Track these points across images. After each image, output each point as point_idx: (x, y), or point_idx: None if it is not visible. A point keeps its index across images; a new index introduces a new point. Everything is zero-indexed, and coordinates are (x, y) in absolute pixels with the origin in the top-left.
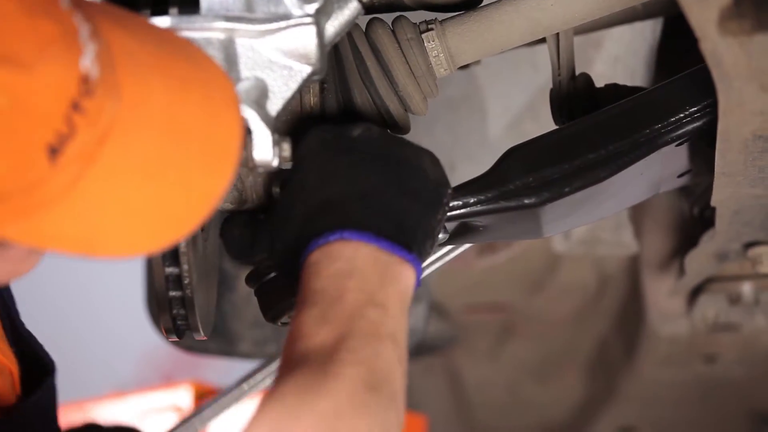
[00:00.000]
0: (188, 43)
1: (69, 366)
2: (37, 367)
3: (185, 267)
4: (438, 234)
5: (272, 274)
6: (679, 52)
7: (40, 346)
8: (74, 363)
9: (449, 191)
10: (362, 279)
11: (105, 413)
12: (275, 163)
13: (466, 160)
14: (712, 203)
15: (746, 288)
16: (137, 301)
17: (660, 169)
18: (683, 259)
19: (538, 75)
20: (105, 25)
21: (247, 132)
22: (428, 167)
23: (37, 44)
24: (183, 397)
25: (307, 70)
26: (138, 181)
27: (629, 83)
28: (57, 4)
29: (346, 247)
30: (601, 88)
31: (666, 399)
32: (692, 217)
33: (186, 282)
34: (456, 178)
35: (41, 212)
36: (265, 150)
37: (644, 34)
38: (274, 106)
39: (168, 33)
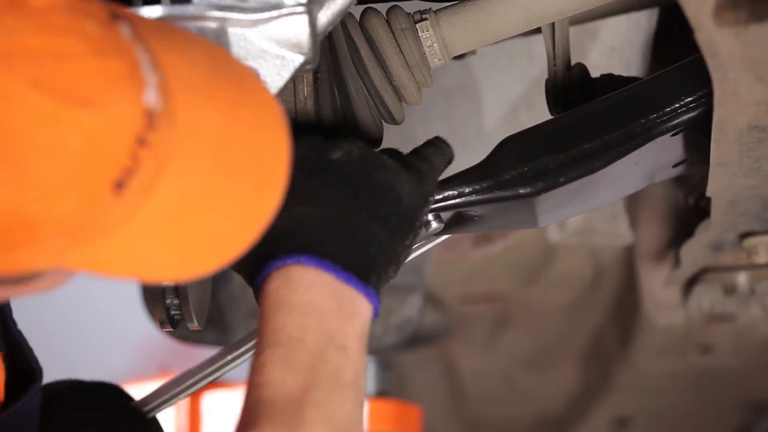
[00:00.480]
0: (235, 60)
1: (65, 357)
2: (23, 373)
3: None
4: (405, 259)
5: None
6: (674, 43)
7: (29, 350)
8: (70, 353)
9: (425, 212)
10: (321, 317)
11: None
12: None
13: (461, 150)
14: (708, 193)
15: (741, 278)
16: (133, 291)
17: (655, 159)
18: (678, 250)
19: (533, 65)
20: (161, 50)
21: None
22: (403, 191)
23: (107, 84)
24: None
25: (299, 59)
26: (192, 208)
27: (625, 73)
28: (120, 37)
29: (304, 274)
30: (596, 79)
31: (661, 389)
32: (687, 208)
33: None
34: (451, 168)
35: (101, 241)
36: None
37: (640, 24)
38: None
39: (216, 49)
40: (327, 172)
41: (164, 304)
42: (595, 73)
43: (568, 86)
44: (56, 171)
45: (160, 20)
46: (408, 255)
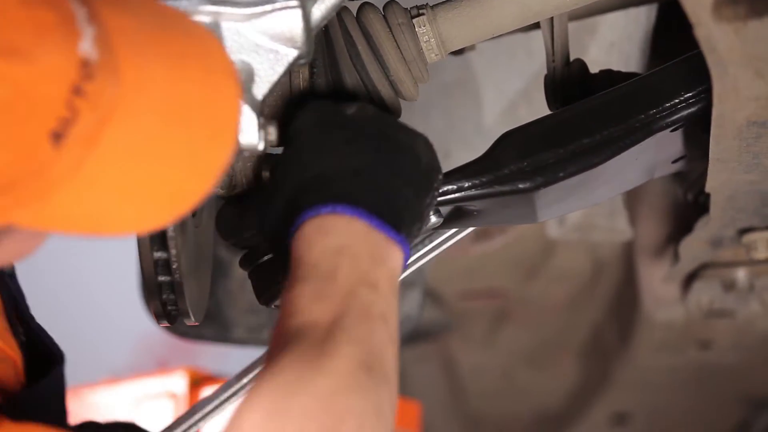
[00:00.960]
0: (183, 15)
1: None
2: (45, 358)
3: (173, 252)
4: (427, 218)
5: (266, 257)
6: (673, 39)
7: (50, 339)
8: (69, 349)
9: (440, 176)
10: (354, 257)
11: (100, 400)
12: (261, 146)
13: (461, 146)
14: (707, 189)
15: (740, 274)
16: (132, 287)
17: (655, 155)
18: (678, 246)
19: (532, 61)
20: (101, 6)
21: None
22: (421, 151)
23: (36, 33)
24: (178, 384)
25: (293, 53)
26: (141, 160)
27: (624, 69)
28: None
29: (338, 221)
30: (595, 74)
31: (660, 385)
32: (687, 204)
33: (174, 267)
34: (451, 164)
35: (47, 196)
36: (251, 134)
37: (639, 20)
38: (261, 89)
39: (163, 7)
40: (347, 127)
41: (160, 298)
42: (594, 69)
43: (567, 82)
44: None
45: None
46: (429, 216)
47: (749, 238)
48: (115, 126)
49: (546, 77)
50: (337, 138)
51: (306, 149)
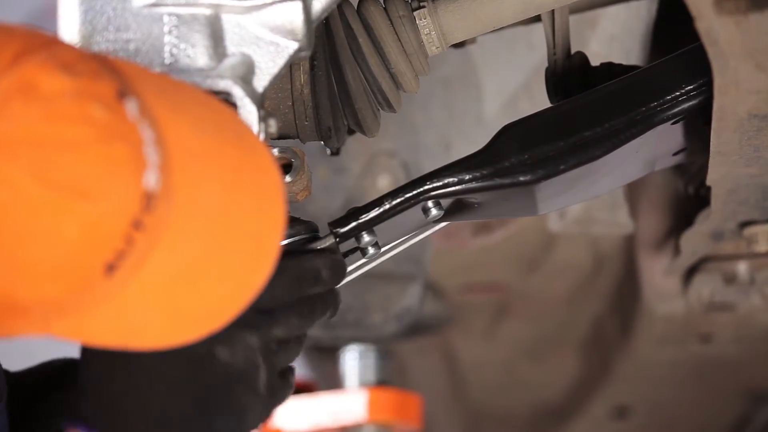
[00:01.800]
0: (233, 113)
1: (63, 348)
2: None
3: None
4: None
5: None
6: (674, 32)
7: None
8: (69, 347)
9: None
10: None
11: None
12: (262, 139)
13: (461, 139)
14: (708, 182)
15: (741, 267)
16: None
17: (655, 147)
18: (678, 239)
19: (533, 54)
20: (167, 117)
21: (233, 108)
22: (254, 417)
23: (108, 171)
24: None
25: (293, 46)
26: (184, 281)
27: (624, 62)
28: (126, 116)
29: None
30: (596, 67)
31: (661, 378)
32: (687, 197)
33: None
34: (452, 157)
35: (87, 313)
36: (252, 126)
37: (640, 13)
38: (261, 82)
39: (218, 107)
40: (203, 369)
41: None
42: (595, 62)
43: (568, 75)
44: (49, 258)
45: (165, 77)
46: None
47: (750, 231)
48: (162, 249)
49: (547, 70)
50: (179, 372)
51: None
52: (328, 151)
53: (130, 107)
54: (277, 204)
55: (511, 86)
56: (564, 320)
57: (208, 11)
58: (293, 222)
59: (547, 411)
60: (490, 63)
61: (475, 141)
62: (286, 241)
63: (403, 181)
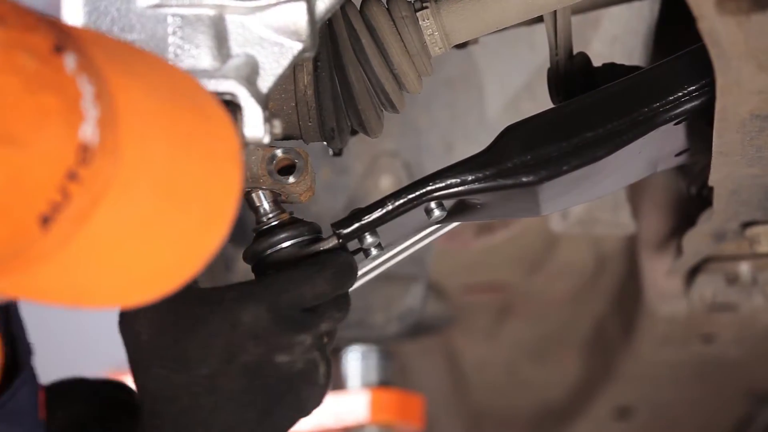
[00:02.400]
0: (197, 86)
1: (65, 346)
2: (17, 354)
3: None
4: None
5: (271, 250)
6: (676, 32)
7: (24, 331)
8: (71, 343)
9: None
10: None
11: None
12: (266, 140)
13: (463, 139)
14: (710, 183)
15: (744, 268)
16: None
17: (658, 148)
18: (681, 239)
19: (535, 55)
20: (116, 78)
21: (238, 109)
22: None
23: (36, 120)
24: None
25: (297, 46)
26: (131, 238)
27: (627, 62)
28: (62, 69)
29: None
30: (598, 68)
31: (663, 379)
32: (690, 197)
33: None
34: (454, 157)
35: (30, 269)
36: (257, 127)
37: (642, 13)
38: (266, 83)
39: (179, 74)
40: (264, 377)
41: None
42: (597, 62)
43: (570, 75)
44: None
45: (126, 43)
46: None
47: (752, 231)
48: (108, 204)
49: (549, 70)
50: (244, 382)
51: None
52: (331, 152)
53: (69, 61)
54: (233, 169)
55: (513, 87)
56: (566, 321)
57: (212, 12)
58: (296, 223)
59: (549, 411)
60: (493, 63)
61: (478, 141)
62: (289, 243)
63: (405, 182)
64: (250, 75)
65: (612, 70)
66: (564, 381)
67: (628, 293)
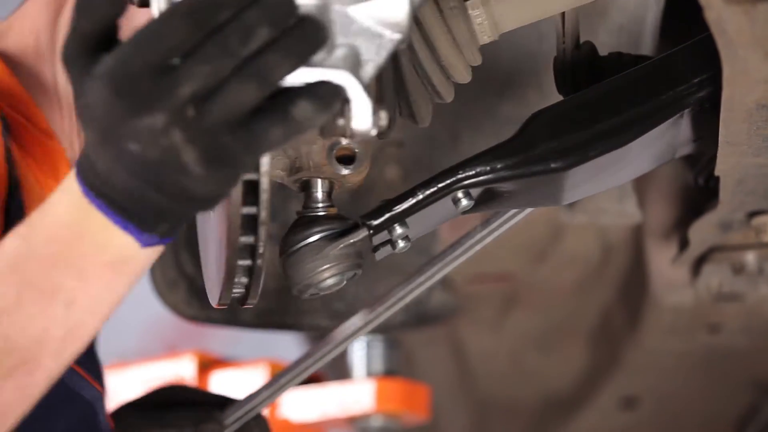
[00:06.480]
0: None
1: None
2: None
3: (262, 237)
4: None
5: (298, 245)
6: (683, 22)
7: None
8: None
9: None
10: None
11: (108, 384)
12: (374, 132)
13: (470, 130)
14: (716, 172)
15: (750, 257)
16: None
17: (678, 134)
18: (687, 229)
19: (542, 44)
20: None
21: (345, 101)
22: None
23: None
24: (186, 367)
25: (397, 37)
26: None
27: (633, 52)
28: None
29: None
30: (605, 57)
31: (669, 369)
32: (696, 187)
33: (260, 252)
34: (461, 147)
35: None
36: (365, 119)
37: (649, 3)
38: (367, 74)
39: None
40: None
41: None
42: (603, 52)
43: (577, 64)
44: None
45: None
46: None
47: (759, 221)
48: None
49: (555, 59)
50: None
51: None
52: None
53: None
54: None
55: (520, 76)
56: (572, 310)
57: (317, 1)
58: (334, 218)
59: (555, 401)
60: (500, 53)
61: (484, 131)
62: (318, 237)
63: (411, 172)
64: (354, 66)
65: (619, 59)
66: (570, 371)
67: (634, 283)
